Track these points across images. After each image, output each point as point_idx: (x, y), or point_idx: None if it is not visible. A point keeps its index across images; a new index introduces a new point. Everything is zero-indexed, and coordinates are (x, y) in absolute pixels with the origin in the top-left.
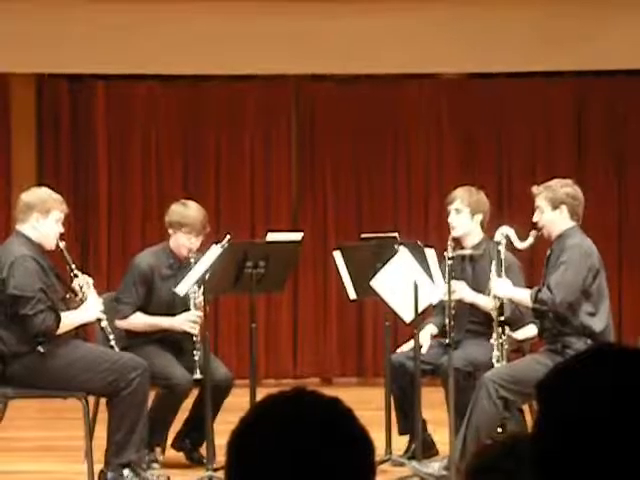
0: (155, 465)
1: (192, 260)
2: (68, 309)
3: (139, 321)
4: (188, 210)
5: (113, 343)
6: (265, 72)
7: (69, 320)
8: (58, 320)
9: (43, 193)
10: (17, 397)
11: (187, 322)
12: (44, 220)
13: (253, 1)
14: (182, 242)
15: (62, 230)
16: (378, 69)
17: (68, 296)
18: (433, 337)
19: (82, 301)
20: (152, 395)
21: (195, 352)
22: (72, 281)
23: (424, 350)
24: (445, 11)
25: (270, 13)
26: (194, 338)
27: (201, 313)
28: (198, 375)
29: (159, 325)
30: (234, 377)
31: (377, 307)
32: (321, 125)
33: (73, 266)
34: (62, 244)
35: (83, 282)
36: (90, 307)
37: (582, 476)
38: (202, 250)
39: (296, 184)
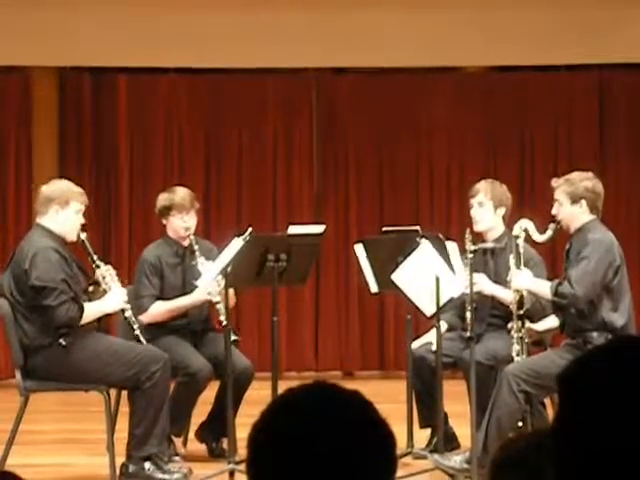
0: (176, 457)
1: (192, 240)
2: (91, 300)
3: (160, 309)
4: (173, 193)
5: (138, 332)
6: (287, 65)
7: (93, 310)
8: (81, 311)
9: (63, 185)
10: (39, 390)
11: (204, 291)
12: (64, 212)
13: None
14: (177, 224)
15: (83, 221)
16: (400, 62)
17: (91, 287)
18: (450, 330)
19: (105, 292)
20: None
21: (221, 317)
22: (94, 272)
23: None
24: (467, 4)
25: (292, 6)
26: (217, 306)
27: (216, 283)
28: (224, 319)
29: (180, 306)
30: (254, 368)
31: (398, 300)
32: (343, 118)
33: (95, 257)
34: (83, 235)
35: (106, 273)
36: (114, 297)
37: (603, 470)
38: (222, 243)
39: (318, 177)
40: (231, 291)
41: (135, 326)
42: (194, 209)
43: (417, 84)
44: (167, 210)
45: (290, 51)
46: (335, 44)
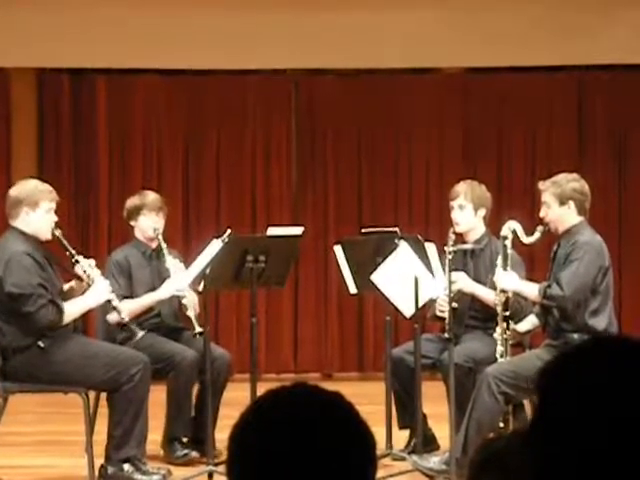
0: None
1: (160, 241)
2: (65, 299)
3: (130, 307)
4: (142, 196)
5: (127, 320)
6: (265, 67)
7: (77, 307)
8: (61, 312)
9: (30, 186)
10: (18, 392)
11: (171, 286)
12: (35, 213)
13: None
14: (146, 225)
15: (55, 219)
16: (378, 63)
17: (74, 282)
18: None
19: (89, 285)
20: (162, 391)
21: (188, 313)
22: (74, 267)
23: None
24: (445, 5)
25: (270, 7)
26: (183, 301)
27: (183, 279)
28: (198, 329)
29: (148, 302)
30: (233, 361)
31: (378, 301)
32: (321, 119)
33: (73, 252)
34: (58, 232)
35: (86, 266)
36: (98, 290)
37: (578, 469)
38: (200, 245)
39: (297, 178)
40: (196, 298)
41: (123, 314)
42: (163, 212)
43: (396, 85)
44: (137, 210)
45: (269, 52)
46: (314, 45)
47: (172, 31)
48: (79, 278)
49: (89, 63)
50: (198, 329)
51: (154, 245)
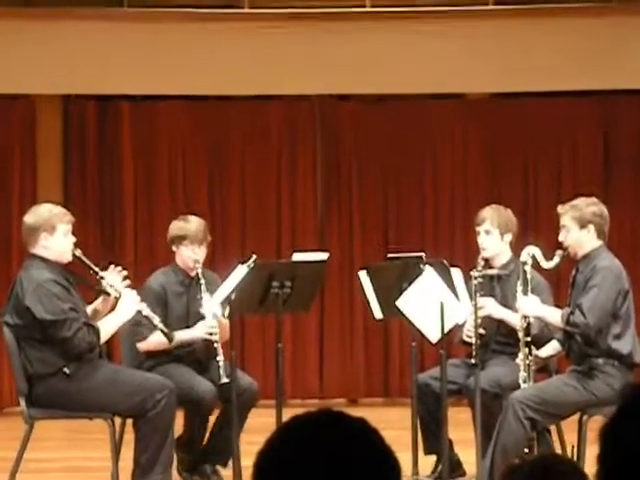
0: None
1: (199, 271)
2: (97, 318)
3: (159, 340)
4: (188, 223)
5: (161, 326)
6: (290, 92)
7: (111, 324)
8: (97, 332)
9: (44, 210)
10: (43, 418)
11: (204, 330)
12: (53, 238)
13: (277, 22)
14: (186, 255)
15: (74, 239)
16: (403, 89)
17: (99, 303)
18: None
19: (117, 299)
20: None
21: (217, 359)
22: (100, 283)
23: None
24: (470, 31)
25: (295, 34)
26: (214, 345)
27: (216, 322)
28: (224, 379)
29: (179, 340)
30: (259, 387)
31: (403, 327)
32: (346, 145)
33: (97, 269)
34: (78, 252)
35: (112, 280)
36: (127, 303)
37: None
38: (226, 270)
39: (322, 204)
40: (227, 324)
41: (155, 321)
42: (206, 242)
43: (420, 111)
44: (180, 239)
45: (293, 78)
46: (338, 71)
47: (196, 57)
48: (106, 293)
49: (114, 89)
50: (224, 379)
51: (193, 273)
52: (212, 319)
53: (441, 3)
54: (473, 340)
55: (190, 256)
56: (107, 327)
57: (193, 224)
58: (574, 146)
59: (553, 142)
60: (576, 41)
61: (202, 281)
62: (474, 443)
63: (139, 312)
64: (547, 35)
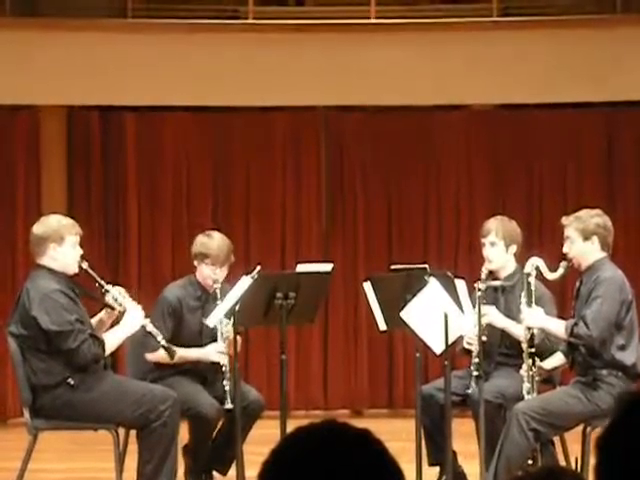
0: None
1: (217, 290)
2: (101, 329)
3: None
4: (212, 241)
5: (164, 342)
6: (294, 103)
7: (116, 337)
8: (102, 344)
9: (53, 221)
10: (47, 429)
11: (215, 353)
12: (61, 248)
13: (282, 33)
14: (207, 274)
15: (81, 251)
16: (407, 100)
17: (103, 314)
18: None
19: (121, 313)
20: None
21: (225, 382)
22: (104, 297)
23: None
24: (474, 43)
25: (300, 45)
26: (223, 368)
27: (227, 344)
28: (229, 405)
29: (187, 357)
30: (265, 402)
31: (407, 338)
32: (351, 156)
33: (102, 282)
34: (85, 264)
35: (117, 294)
36: (132, 316)
37: None
38: (231, 281)
39: (326, 215)
40: (238, 337)
41: (159, 337)
42: (228, 262)
43: (425, 121)
44: (202, 257)
45: (298, 89)
46: (343, 82)
47: (200, 68)
48: (111, 307)
49: (118, 100)
50: (229, 405)
51: (211, 290)
52: (222, 342)
53: (445, 15)
54: (474, 347)
55: (210, 275)
56: (111, 340)
57: (215, 242)
58: (578, 157)
59: (557, 153)
60: (580, 53)
61: (219, 301)
62: (478, 455)
63: (143, 327)
64: (551, 47)
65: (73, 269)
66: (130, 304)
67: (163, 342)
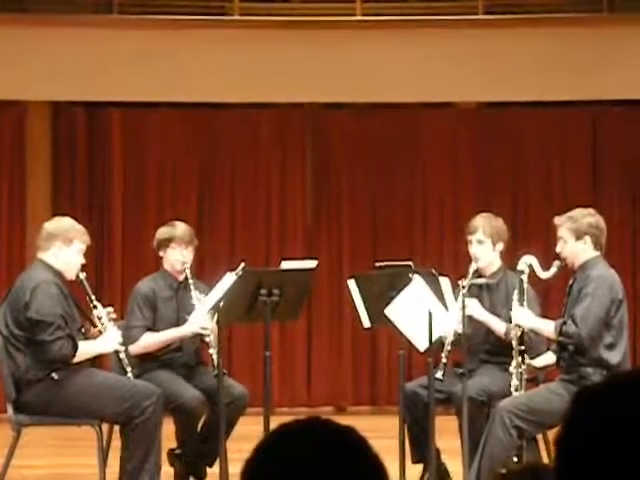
0: None
1: (187, 273)
2: (87, 339)
3: (150, 340)
4: (173, 227)
5: (130, 375)
6: (280, 100)
7: (87, 350)
8: (75, 349)
9: (67, 223)
10: (31, 424)
11: (196, 324)
12: (67, 249)
13: (268, 29)
14: (174, 257)
15: (84, 261)
16: (393, 98)
17: (86, 327)
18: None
19: (100, 332)
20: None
21: (210, 351)
22: (92, 312)
23: None
24: (460, 41)
25: (286, 42)
26: (207, 339)
27: (210, 318)
28: (214, 371)
29: (170, 337)
30: (249, 396)
31: (391, 335)
32: (336, 153)
33: (93, 297)
34: (82, 275)
35: (102, 313)
36: (108, 339)
37: None
38: (215, 278)
39: (311, 212)
40: (215, 326)
41: (128, 369)
42: (193, 245)
43: (411, 120)
44: (167, 242)
45: (284, 86)
46: (329, 79)
47: (187, 65)
48: (93, 324)
49: (104, 96)
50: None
51: (181, 278)
52: (206, 314)
53: (431, 12)
54: (449, 339)
55: (178, 258)
56: (84, 350)
57: (179, 228)
58: (563, 155)
59: (542, 151)
60: (565, 51)
61: (191, 280)
62: (461, 452)
63: (116, 352)
64: (536, 45)
65: (71, 275)
66: (111, 328)
67: (130, 374)
